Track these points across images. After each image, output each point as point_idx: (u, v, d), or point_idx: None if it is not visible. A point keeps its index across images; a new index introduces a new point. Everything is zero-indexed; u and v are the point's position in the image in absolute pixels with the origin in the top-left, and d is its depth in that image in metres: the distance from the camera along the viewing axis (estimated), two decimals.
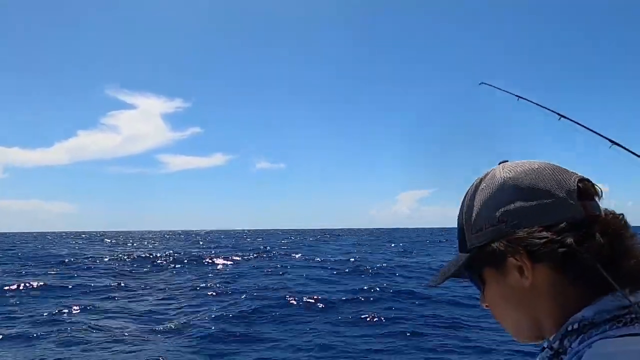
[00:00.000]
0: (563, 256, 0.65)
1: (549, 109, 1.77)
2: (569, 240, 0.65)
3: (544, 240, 0.66)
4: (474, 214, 0.75)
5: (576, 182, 0.70)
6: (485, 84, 2.22)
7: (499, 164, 0.77)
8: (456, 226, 0.80)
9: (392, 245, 35.89)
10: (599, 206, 0.71)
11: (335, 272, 15.49)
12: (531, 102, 1.89)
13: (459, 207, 0.80)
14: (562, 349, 0.64)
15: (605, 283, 0.63)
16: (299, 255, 24.01)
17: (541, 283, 0.68)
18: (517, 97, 2.01)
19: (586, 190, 0.70)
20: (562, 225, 0.66)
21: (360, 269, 16.24)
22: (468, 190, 0.79)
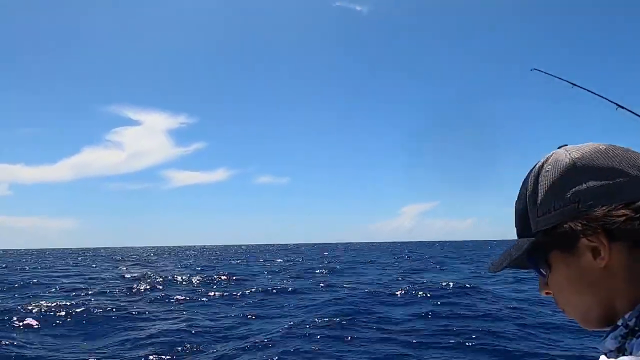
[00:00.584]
0: None
1: (607, 99, 1.75)
2: None
3: (624, 217, 0.65)
4: (539, 197, 0.72)
5: None
6: (538, 70, 2.21)
7: (559, 147, 0.76)
8: (514, 212, 0.79)
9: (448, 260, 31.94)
10: None
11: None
12: (588, 90, 1.89)
13: (518, 193, 0.78)
14: (638, 327, 0.63)
15: None
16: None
17: (616, 263, 0.66)
18: (571, 85, 2.02)
19: None
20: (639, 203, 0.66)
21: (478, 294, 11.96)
22: (528, 175, 0.77)
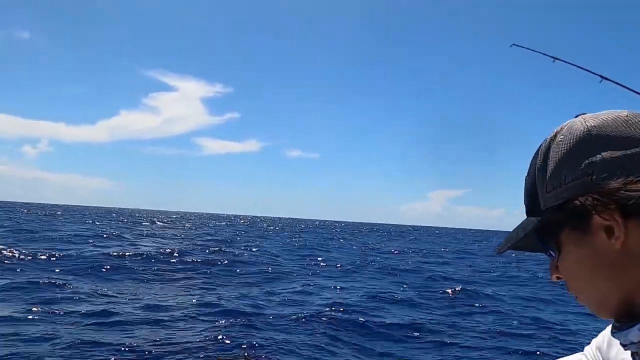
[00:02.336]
0: None
1: (589, 71, 1.64)
2: None
3: None
4: (549, 170, 0.65)
5: None
6: (517, 45, 2.10)
7: (576, 116, 0.68)
8: (523, 188, 0.71)
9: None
10: None
11: None
12: (570, 63, 1.78)
13: (528, 167, 0.71)
14: None
15: None
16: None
17: (636, 244, 0.58)
18: (552, 59, 1.90)
19: None
20: None
21: None
22: (540, 146, 0.69)
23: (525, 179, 0.71)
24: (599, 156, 0.60)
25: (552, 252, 0.68)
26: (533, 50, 1.89)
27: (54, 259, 12.84)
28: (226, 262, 14.74)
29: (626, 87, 1.36)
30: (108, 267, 12.07)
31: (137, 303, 8.36)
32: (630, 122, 0.62)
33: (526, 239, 0.68)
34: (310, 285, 11.40)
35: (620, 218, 0.58)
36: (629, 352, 0.62)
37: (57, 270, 11.06)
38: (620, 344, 0.62)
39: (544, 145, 0.68)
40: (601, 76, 1.48)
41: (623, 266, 0.59)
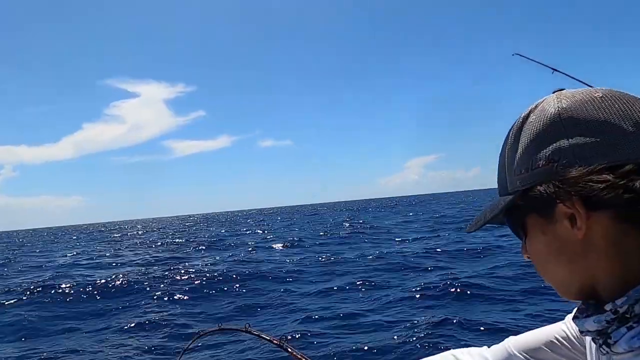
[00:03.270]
0: (629, 204, 0.55)
1: (586, 84, 1.77)
2: (637, 184, 0.54)
3: (605, 183, 0.55)
4: (518, 152, 0.65)
5: None
6: (520, 55, 2.19)
7: (554, 92, 0.66)
8: (497, 166, 0.71)
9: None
10: None
11: None
12: (568, 75, 1.90)
13: (502, 144, 0.70)
14: (631, 315, 0.56)
15: None
16: None
17: (598, 236, 0.58)
18: (552, 70, 2.02)
19: None
20: (630, 166, 0.56)
21: None
22: (514, 124, 0.68)
23: (499, 157, 0.70)
24: (566, 141, 0.59)
25: (519, 234, 0.70)
26: (534, 61, 1.99)
27: None
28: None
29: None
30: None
31: None
32: (603, 104, 0.60)
33: (494, 219, 0.69)
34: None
35: (582, 208, 0.58)
36: None
37: None
38: (579, 330, 0.65)
39: (516, 124, 0.67)
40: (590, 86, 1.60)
41: (585, 256, 0.60)
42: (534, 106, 0.66)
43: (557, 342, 0.94)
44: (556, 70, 1.93)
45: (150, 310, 9.18)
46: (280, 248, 18.31)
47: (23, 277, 14.86)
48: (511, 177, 0.66)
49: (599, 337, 0.61)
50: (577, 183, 0.57)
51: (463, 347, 1.13)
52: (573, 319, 0.67)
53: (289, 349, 1.42)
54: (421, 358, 1.13)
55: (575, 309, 0.67)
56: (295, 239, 21.49)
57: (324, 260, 13.47)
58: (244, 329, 1.55)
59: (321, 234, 24.10)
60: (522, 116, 0.67)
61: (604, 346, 0.61)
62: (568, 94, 0.64)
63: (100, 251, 24.57)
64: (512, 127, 0.68)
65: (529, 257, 0.70)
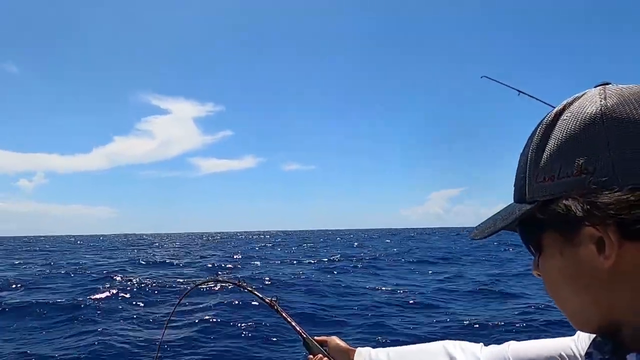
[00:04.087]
0: None
1: (549, 104, 1.86)
2: None
3: None
4: (545, 155, 0.54)
5: None
6: (487, 77, 2.31)
7: (597, 86, 0.55)
8: (516, 168, 0.60)
9: None
10: None
11: None
12: (531, 96, 2.00)
13: (526, 141, 0.59)
14: None
15: None
16: None
17: (630, 267, 0.49)
18: (518, 92, 2.12)
19: None
20: None
21: None
22: (541, 121, 0.57)
23: (520, 156, 0.59)
24: (605, 150, 0.49)
25: (532, 250, 0.60)
26: (500, 83, 2.10)
27: None
28: None
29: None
30: None
31: None
32: None
33: (506, 228, 0.60)
34: None
35: (615, 235, 0.49)
36: None
37: None
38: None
39: (546, 120, 0.56)
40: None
41: (609, 286, 0.51)
42: (570, 100, 0.55)
43: (559, 359, 0.88)
44: (522, 92, 2.05)
45: None
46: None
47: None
48: (532, 183, 0.55)
49: None
50: (614, 207, 0.47)
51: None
52: (586, 355, 0.57)
53: (278, 309, 1.47)
54: (413, 344, 1.17)
55: (591, 340, 0.58)
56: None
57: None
58: (238, 283, 1.60)
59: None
60: (554, 112, 0.56)
61: None
62: (615, 90, 0.52)
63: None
64: (540, 123, 0.57)
65: (539, 275, 0.60)
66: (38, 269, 17.66)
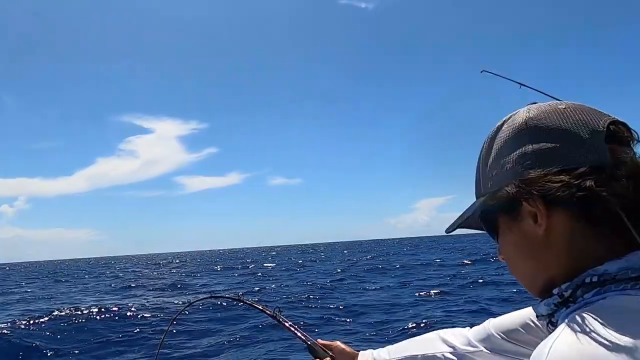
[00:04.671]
0: (581, 201, 0.62)
1: (551, 96, 1.81)
2: (588, 183, 0.62)
3: (560, 183, 0.63)
4: (491, 157, 0.74)
5: (607, 124, 0.66)
6: (487, 71, 2.27)
7: (527, 105, 0.75)
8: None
9: None
10: (634, 152, 0.67)
11: None
12: (534, 89, 1.94)
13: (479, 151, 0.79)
14: (572, 298, 0.63)
15: (635, 238, 0.61)
16: None
17: (557, 233, 0.66)
18: (519, 85, 2.07)
19: (618, 134, 0.67)
20: (583, 169, 0.63)
21: None
22: (489, 133, 0.77)
23: (477, 163, 0.79)
24: (530, 147, 0.68)
25: (493, 236, 0.77)
26: (501, 76, 2.04)
27: None
28: None
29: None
30: None
31: None
32: (565, 114, 0.69)
33: (475, 220, 0.78)
34: None
35: (542, 206, 0.65)
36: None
37: None
38: (536, 315, 0.72)
39: (492, 132, 0.76)
40: (556, 99, 1.63)
41: (545, 251, 0.67)
42: (507, 117, 0.75)
43: (531, 324, 1.03)
44: (523, 85, 1.98)
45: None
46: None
47: None
48: (484, 180, 0.75)
49: (547, 319, 0.69)
50: (537, 182, 0.65)
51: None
52: (533, 306, 0.75)
53: (281, 319, 1.47)
54: (408, 339, 1.27)
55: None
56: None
57: None
58: (237, 298, 1.57)
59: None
60: (497, 125, 0.76)
61: (549, 326, 0.68)
62: (536, 106, 0.73)
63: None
64: (488, 135, 0.77)
65: (503, 259, 0.77)
66: None
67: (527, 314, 1.05)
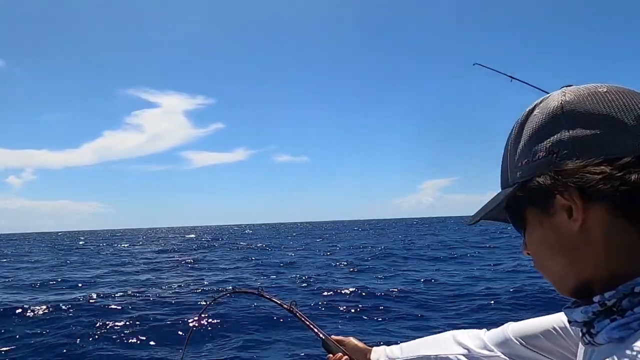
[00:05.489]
0: (624, 196, 0.56)
1: (541, 89, 1.90)
2: (634, 176, 0.56)
3: (601, 175, 0.57)
4: (520, 144, 0.67)
5: None
6: (479, 64, 2.35)
7: (562, 88, 0.68)
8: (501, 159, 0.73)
9: None
10: None
11: None
12: (524, 82, 2.04)
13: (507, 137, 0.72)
14: (617, 308, 0.57)
15: None
16: None
17: (594, 229, 0.59)
18: (510, 78, 2.16)
19: None
20: (628, 159, 0.57)
21: None
22: (519, 118, 0.70)
23: (503, 150, 0.72)
24: (566, 133, 0.61)
25: (519, 229, 0.71)
26: (492, 70, 2.14)
27: None
28: None
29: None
30: None
31: None
32: (606, 98, 0.61)
33: (499, 212, 0.71)
34: None
35: (579, 200, 0.59)
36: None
37: None
38: (567, 320, 0.67)
39: (521, 117, 0.69)
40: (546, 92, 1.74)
41: (580, 249, 0.61)
42: (538, 101, 0.68)
43: (553, 331, 0.98)
44: (514, 78, 2.08)
45: None
46: None
47: None
48: (512, 169, 0.68)
49: (584, 327, 0.63)
50: (574, 174, 0.58)
51: None
52: (564, 308, 0.68)
53: (298, 314, 1.51)
54: (423, 337, 1.26)
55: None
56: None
57: None
58: (256, 292, 1.63)
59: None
60: (527, 110, 0.69)
61: (586, 335, 0.62)
62: (573, 89, 0.65)
63: None
64: (517, 121, 0.70)
65: (528, 254, 0.71)
66: None
67: (550, 320, 1.00)
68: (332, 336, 1.42)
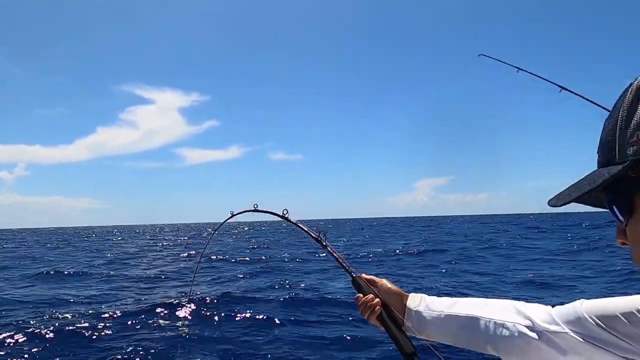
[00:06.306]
0: None
1: (550, 81, 1.82)
2: None
3: None
4: (636, 117, 0.57)
5: None
6: (485, 55, 2.27)
7: None
8: (601, 132, 0.62)
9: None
10: None
11: None
12: (532, 74, 1.95)
13: (613, 105, 0.62)
14: None
15: None
16: None
17: None
18: (517, 69, 2.07)
19: None
20: None
21: None
22: (632, 83, 0.60)
23: (605, 122, 0.61)
24: None
25: (619, 214, 0.61)
26: (498, 60, 2.06)
27: None
28: None
29: (583, 97, 1.53)
30: None
31: None
32: None
33: (590, 193, 0.60)
34: None
35: None
36: None
37: None
38: None
39: (633, 87, 0.59)
40: (560, 86, 1.66)
41: None
42: None
43: (638, 314, 0.83)
44: (521, 69, 2.00)
45: None
46: None
47: None
48: (623, 144, 0.57)
49: None
50: None
51: None
52: None
53: (327, 245, 1.39)
54: (480, 297, 1.10)
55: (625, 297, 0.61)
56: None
57: None
58: (282, 216, 1.51)
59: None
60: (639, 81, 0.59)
61: None
62: None
63: None
64: (629, 87, 0.60)
65: (624, 244, 0.63)
66: None
67: (632, 303, 0.87)
68: (363, 275, 1.28)
